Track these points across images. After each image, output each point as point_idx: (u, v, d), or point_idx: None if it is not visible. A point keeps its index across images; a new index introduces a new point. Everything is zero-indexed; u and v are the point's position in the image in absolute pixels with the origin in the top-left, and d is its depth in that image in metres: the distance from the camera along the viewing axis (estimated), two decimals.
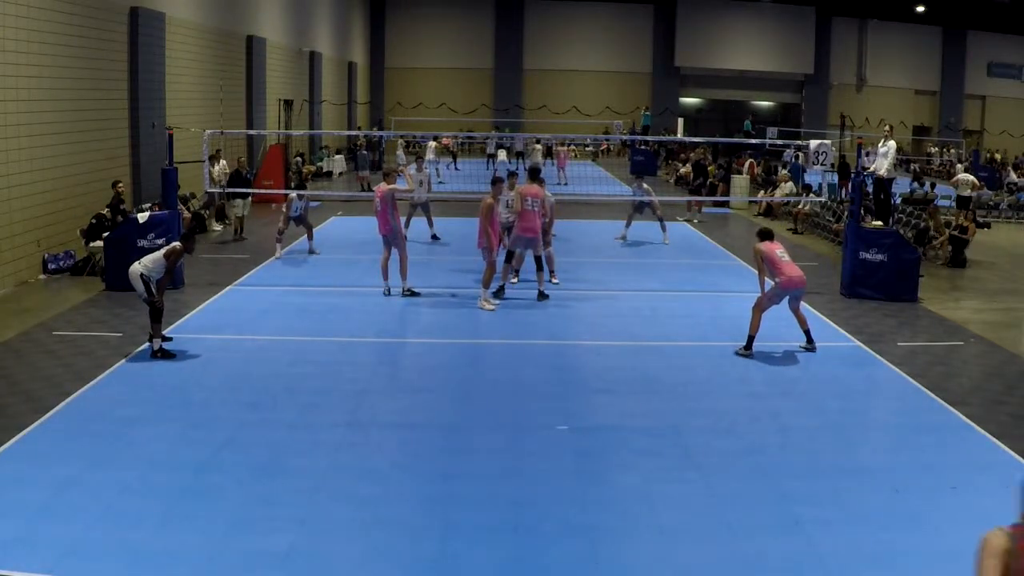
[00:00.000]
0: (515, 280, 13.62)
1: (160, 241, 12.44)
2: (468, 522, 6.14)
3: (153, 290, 9.65)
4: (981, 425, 8.12)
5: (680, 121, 42.69)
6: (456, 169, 32.50)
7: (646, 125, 42.89)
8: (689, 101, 49.97)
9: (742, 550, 5.83)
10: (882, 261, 13.27)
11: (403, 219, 13.84)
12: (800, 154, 25.40)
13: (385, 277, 12.87)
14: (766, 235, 10.48)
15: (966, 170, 26.56)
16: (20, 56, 13.09)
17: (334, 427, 7.90)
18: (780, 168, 28.09)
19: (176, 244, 10.14)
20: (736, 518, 6.25)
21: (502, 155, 30.12)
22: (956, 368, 10.08)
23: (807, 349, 10.38)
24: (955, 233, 17.15)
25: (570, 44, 47.50)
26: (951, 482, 6.86)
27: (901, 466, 7.22)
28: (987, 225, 20.79)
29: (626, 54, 48.04)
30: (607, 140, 41.95)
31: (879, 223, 15.70)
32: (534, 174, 13.56)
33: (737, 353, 10.19)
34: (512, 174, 14.97)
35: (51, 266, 13.98)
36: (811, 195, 21.15)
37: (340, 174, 32.08)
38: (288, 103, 30.17)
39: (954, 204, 21.57)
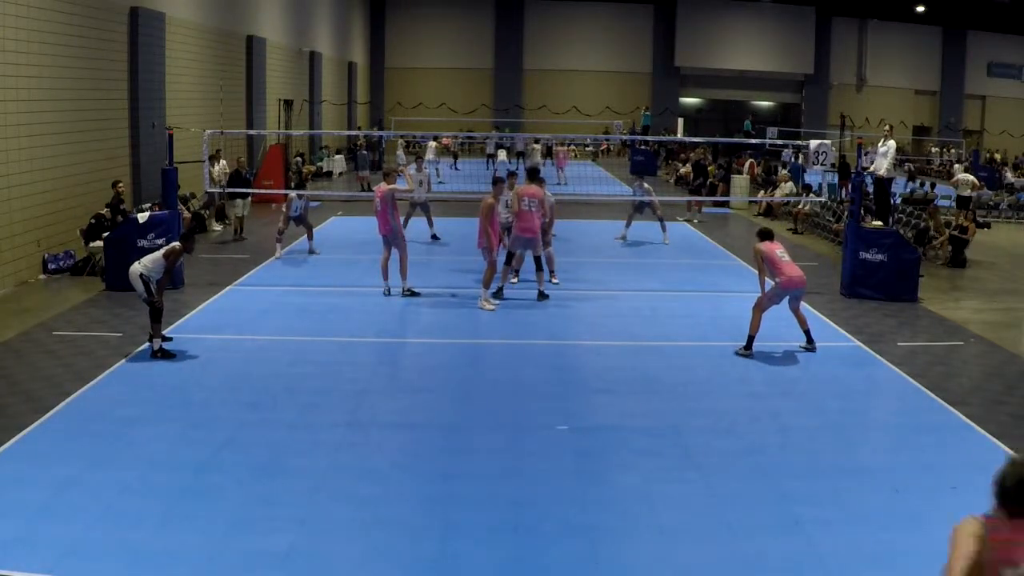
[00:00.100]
0: (515, 280, 13.62)
1: (160, 241, 12.44)
2: (468, 522, 6.14)
3: (153, 290, 9.65)
4: (981, 425, 8.12)
5: (680, 121, 42.70)
6: (456, 169, 32.52)
7: (646, 125, 42.89)
8: (689, 101, 49.97)
9: (742, 550, 5.83)
10: (882, 261, 13.27)
11: (402, 219, 13.83)
12: (800, 154, 25.41)
13: (385, 277, 12.87)
14: (766, 235, 10.48)
15: (966, 170, 26.55)
16: (20, 56, 13.09)
17: (334, 427, 7.90)
18: (780, 168, 28.09)
19: (175, 244, 10.15)
20: (736, 518, 6.25)
21: (502, 155, 30.13)
22: (956, 368, 10.08)
23: (807, 349, 10.38)
24: (955, 233, 17.15)
25: (570, 44, 47.51)
26: (951, 482, 6.86)
27: (901, 466, 7.22)
28: (987, 225, 20.78)
29: (626, 54, 48.04)
30: (607, 140, 41.95)
31: (879, 223, 15.70)
32: (532, 174, 13.56)
33: (737, 353, 10.19)
34: (512, 174, 14.97)
35: (51, 266, 13.98)
36: (811, 195, 21.15)
37: (340, 174, 32.09)
38: (288, 103, 30.17)
39: (954, 204, 21.58)
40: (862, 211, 14.59)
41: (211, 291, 13.06)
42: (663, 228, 17.99)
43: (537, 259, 12.84)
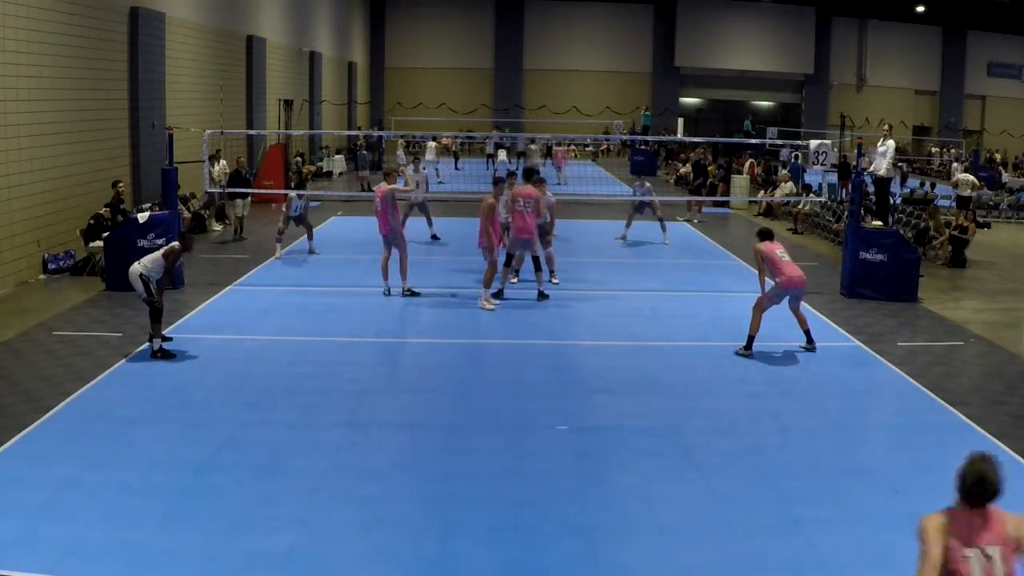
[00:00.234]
0: (515, 280, 13.62)
1: (160, 241, 12.44)
2: (468, 522, 6.14)
3: (153, 290, 9.65)
4: (981, 425, 8.12)
5: (680, 121, 42.69)
6: (458, 169, 32.54)
7: (646, 125, 42.89)
8: (689, 101, 49.97)
9: (742, 550, 5.83)
10: (882, 261, 13.27)
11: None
12: (799, 154, 25.41)
13: (385, 277, 12.87)
14: (766, 235, 10.48)
15: (966, 170, 26.56)
16: (20, 56, 13.09)
17: (334, 427, 7.90)
18: (780, 168, 28.09)
19: (175, 244, 10.15)
20: (736, 518, 6.25)
21: (502, 155, 30.13)
22: (956, 368, 10.08)
23: (807, 349, 10.39)
24: (955, 233, 17.15)
25: (570, 44, 47.51)
26: (951, 482, 6.84)
27: (901, 466, 7.22)
28: (987, 225, 20.79)
29: (626, 54, 48.04)
30: (607, 140, 41.95)
31: (879, 223, 15.70)
32: (528, 175, 13.57)
33: (737, 353, 10.19)
34: (511, 174, 14.97)
35: (51, 266, 13.98)
36: (811, 195, 21.15)
37: (340, 174, 32.09)
38: (288, 103, 30.17)
39: (954, 204, 21.57)
40: (862, 211, 14.59)
41: (211, 291, 13.06)
42: (663, 228, 17.99)
43: (535, 259, 12.84)
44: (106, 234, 13.68)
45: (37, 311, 11.76)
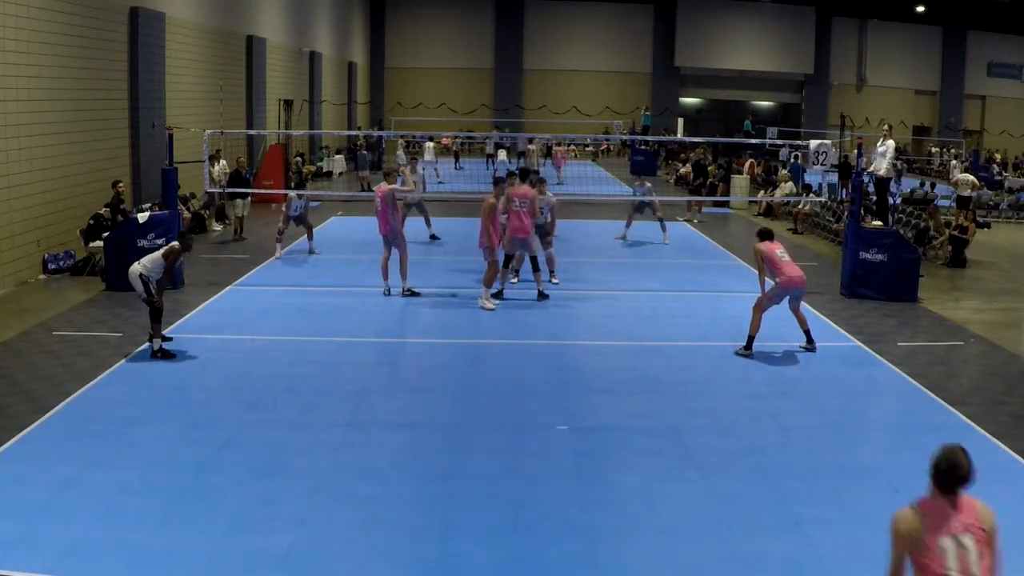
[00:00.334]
0: (515, 280, 13.62)
1: (160, 241, 12.44)
2: (468, 522, 6.14)
3: (152, 290, 9.65)
4: (981, 425, 8.12)
5: (680, 121, 42.68)
6: (460, 169, 32.56)
7: (646, 125, 42.89)
8: (689, 101, 49.97)
9: (742, 550, 5.83)
10: (882, 261, 13.27)
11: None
12: (798, 153, 25.41)
13: (385, 277, 12.87)
14: (766, 235, 10.48)
15: (966, 170, 26.56)
16: (20, 56, 13.09)
17: (334, 427, 7.90)
18: (779, 168, 28.10)
19: (174, 244, 10.14)
20: (736, 518, 6.25)
21: (502, 155, 30.13)
22: (956, 368, 10.08)
23: (807, 349, 10.38)
24: (955, 233, 17.15)
25: (570, 44, 47.51)
26: None
27: (901, 466, 7.21)
28: (987, 225, 20.79)
29: (626, 54, 48.04)
30: (607, 140, 41.95)
31: (879, 223, 15.70)
32: (524, 175, 13.57)
33: (737, 353, 10.19)
34: (512, 174, 14.96)
35: (51, 266, 13.98)
36: (811, 195, 21.15)
37: (340, 174, 32.10)
38: (288, 103, 30.17)
39: (954, 204, 21.57)
40: (862, 211, 14.60)
41: (211, 291, 13.06)
42: (663, 228, 17.99)
43: (533, 259, 12.84)
44: (106, 234, 13.68)
45: (37, 311, 11.76)
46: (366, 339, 10.84)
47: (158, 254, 9.90)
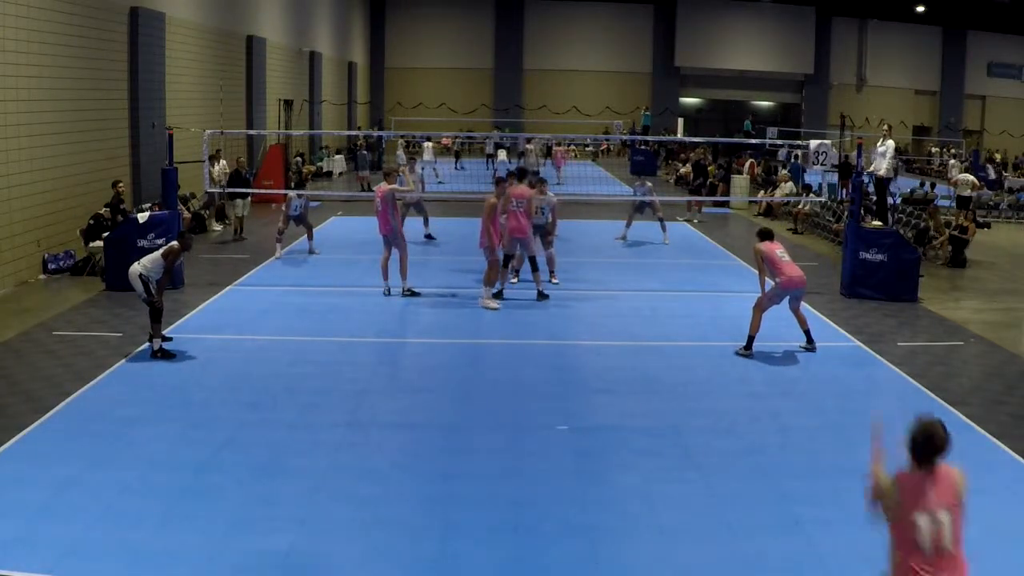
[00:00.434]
0: (515, 280, 13.62)
1: (160, 241, 12.44)
2: (468, 522, 6.14)
3: (152, 290, 9.65)
4: (981, 425, 8.12)
5: (680, 121, 42.68)
6: (462, 169, 32.57)
7: (646, 125, 42.89)
8: (689, 101, 49.98)
9: (742, 550, 5.83)
10: (882, 261, 13.27)
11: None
12: (798, 153, 25.40)
13: (385, 277, 12.87)
14: (766, 235, 10.48)
15: (966, 170, 26.56)
16: (20, 56, 13.09)
17: (334, 427, 7.90)
18: (779, 168, 28.10)
19: (173, 244, 10.13)
20: (736, 518, 6.25)
21: (502, 155, 30.12)
22: (956, 368, 10.08)
23: (807, 349, 10.38)
24: (955, 233, 17.15)
25: (570, 44, 47.51)
26: None
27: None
28: (987, 225, 20.78)
29: (626, 54, 48.05)
30: (607, 140, 41.95)
31: (879, 223, 15.70)
32: (521, 175, 13.58)
33: (737, 353, 10.19)
34: (511, 174, 14.96)
35: (51, 266, 13.98)
36: (811, 195, 21.15)
37: (340, 174, 32.10)
38: (288, 103, 30.17)
39: (954, 204, 21.57)
40: (862, 211, 14.60)
41: (211, 291, 13.06)
42: (663, 228, 17.99)
43: (532, 259, 12.84)
44: (106, 234, 13.68)
45: (37, 311, 11.76)
46: (366, 339, 10.84)
47: (158, 254, 9.90)
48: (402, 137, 33.40)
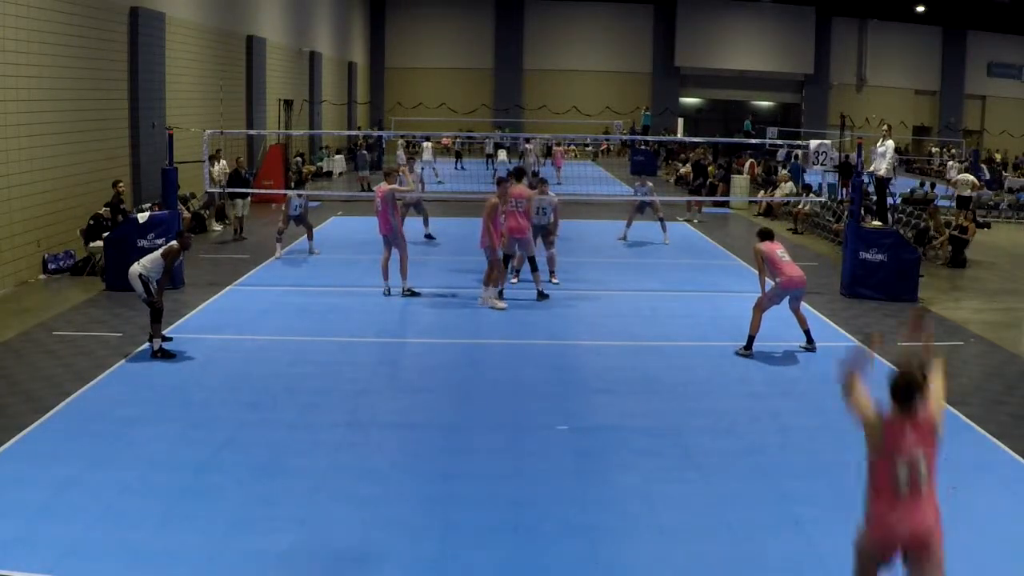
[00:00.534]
0: (515, 280, 13.62)
1: (160, 241, 12.43)
2: (468, 522, 6.14)
3: (152, 290, 9.65)
4: (981, 425, 8.13)
5: (680, 121, 42.68)
6: (463, 169, 32.58)
7: (646, 125, 42.89)
8: (689, 101, 49.98)
9: (742, 550, 5.83)
10: (882, 261, 13.27)
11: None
12: (798, 153, 25.40)
13: (385, 277, 12.87)
14: (766, 235, 10.48)
15: (965, 170, 26.56)
16: (20, 56, 13.09)
17: (334, 427, 7.90)
18: (779, 168, 28.10)
19: (173, 243, 10.13)
20: (736, 518, 6.25)
21: (502, 155, 30.13)
22: (956, 368, 10.07)
23: (807, 349, 10.38)
24: (955, 233, 17.15)
25: (570, 44, 47.51)
26: (951, 482, 6.84)
27: None
28: (987, 225, 20.78)
29: (626, 54, 48.05)
30: (607, 140, 41.95)
31: (879, 223, 15.70)
32: (519, 175, 13.58)
33: (737, 353, 10.19)
34: (511, 173, 14.96)
35: (51, 266, 13.98)
36: (811, 195, 21.15)
37: (340, 174, 32.10)
38: (288, 103, 30.17)
39: (954, 204, 21.57)
40: (862, 211, 14.59)
41: (211, 291, 13.06)
42: (663, 228, 17.99)
43: (531, 259, 12.84)
44: (106, 234, 13.68)
45: (37, 311, 11.76)
46: (366, 339, 10.84)
47: (157, 254, 9.89)
48: (402, 137, 33.41)
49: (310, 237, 16.46)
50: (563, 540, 5.91)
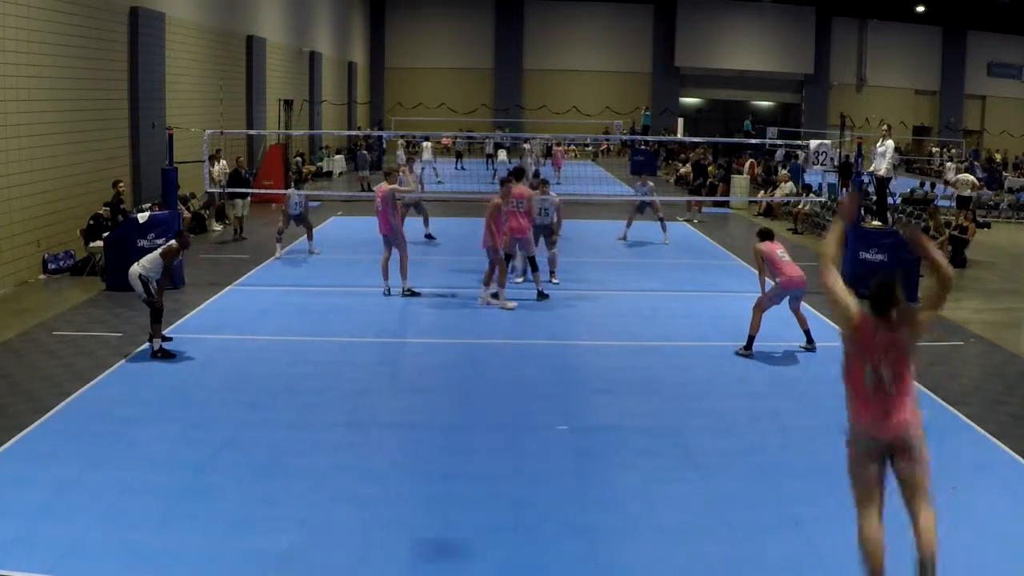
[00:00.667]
0: (520, 280, 13.62)
1: (160, 241, 12.41)
2: (468, 522, 6.14)
3: (152, 290, 9.65)
4: (981, 425, 8.12)
5: (680, 121, 42.70)
6: (464, 169, 32.58)
7: (646, 125, 42.90)
8: (689, 101, 49.97)
9: (742, 550, 5.83)
10: (882, 261, 13.26)
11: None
12: (798, 153, 25.39)
13: (385, 277, 12.87)
14: (766, 235, 10.49)
15: (965, 170, 26.55)
16: (20, 56, 13.09)
17: (334, 427, 7.90)
18: (778, 168, 28.10)
19: (172, 243, 10.13)
20: (736, 518, 6.25)
21: (502, 155, 30.12)
22: (956, 368, 10.08)
23: (807, 349, 10.38)
24: (955, 233, 17.14)
25: (570, 44, 47.51)
26: (951, 482, 6.84)
27: None
28: (987, 225, 20.78)
29: (626, 54, 48.05)
30: (607, 140, 41.96)
31: (879, 223, 15.70)
32: (518, 175, 13.59)
33: (737, 353, 10.19)
34: (511, 173, 14.95)
35: (51, 266, 13.98)
36: (811, 195, 21.15)
37: (340, 174, 32.09)
38: (288, 103, 30.17)
39: (954, 204, 21.57)
40: (862, 211, 14.59)
41: (211, 291, 13.06)
42: (663, 228, 17.99)
43: (532, 259, 12.84)
44: (106, 234, 13.68)
45: (37, 311, 11.76)
46: (366, 339, 10.84)
47: (156, 254, 9.89)
48: (402, 137, 33.41)
49: (310, 237, 16.46)
50: (563, 540, 5.91)
